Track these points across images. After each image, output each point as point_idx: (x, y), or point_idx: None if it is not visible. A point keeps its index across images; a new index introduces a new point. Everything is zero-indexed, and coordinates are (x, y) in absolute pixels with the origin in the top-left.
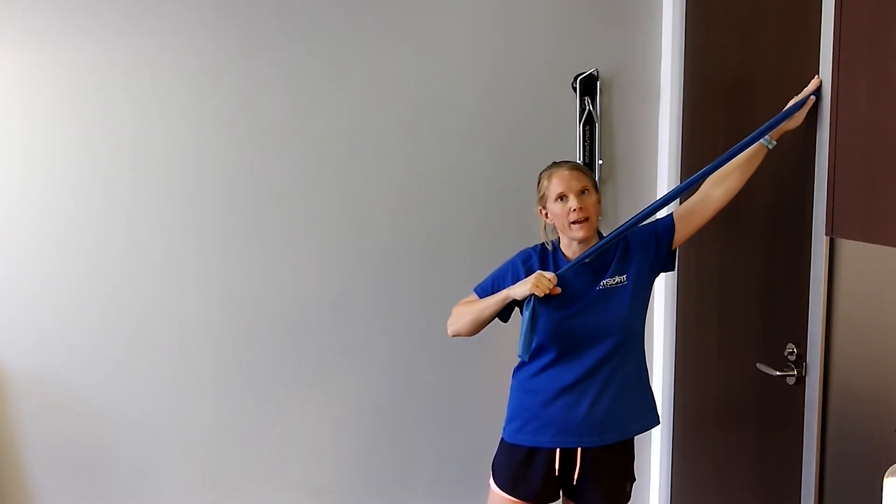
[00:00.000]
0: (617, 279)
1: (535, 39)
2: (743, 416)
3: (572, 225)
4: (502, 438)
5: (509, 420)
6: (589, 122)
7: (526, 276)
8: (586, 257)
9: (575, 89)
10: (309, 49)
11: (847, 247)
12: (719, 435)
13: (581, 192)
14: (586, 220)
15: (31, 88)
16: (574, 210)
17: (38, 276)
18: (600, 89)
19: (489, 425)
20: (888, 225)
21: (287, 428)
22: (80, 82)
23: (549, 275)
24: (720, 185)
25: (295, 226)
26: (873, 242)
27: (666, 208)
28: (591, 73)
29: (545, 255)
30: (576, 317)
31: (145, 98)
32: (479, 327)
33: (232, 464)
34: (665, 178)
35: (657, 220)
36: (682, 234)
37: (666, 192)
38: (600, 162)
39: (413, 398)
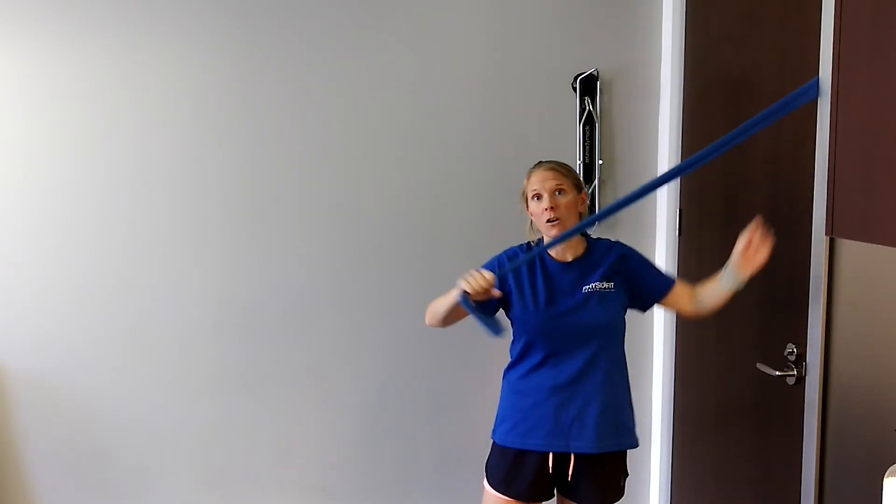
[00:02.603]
0: (606, 285)
1: (535, 39)
2: (743, 416)
3: (546, 223)
4: (493, 440)
5: (500, 422)
6: (589, 122)
7: (512, 276)
8: (550, 246)
9: (575, 89)
10: (309, 49)
11: (847, 247)
12: (719, 435)
13: (556, 192)
14: (558, 220)
15: (30, 88)
16: (546, 209)
17: (38, 276)
18: (600, 89)
19: (489, 425)
20: (888, 225)
21: (287, 428)
22: (79, 82)
23: (488, 274)
24: (699, 302)
25: (294, 226)
26: (873, 242)
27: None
28: (591, 73)
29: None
30: (565, 316)
31: (144, 98)
32: (441, 322)
33: (231, 463)
34: None
35: (662, 275)
36: (666, 304)
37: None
38: (600, 162)
39: (413, 398)
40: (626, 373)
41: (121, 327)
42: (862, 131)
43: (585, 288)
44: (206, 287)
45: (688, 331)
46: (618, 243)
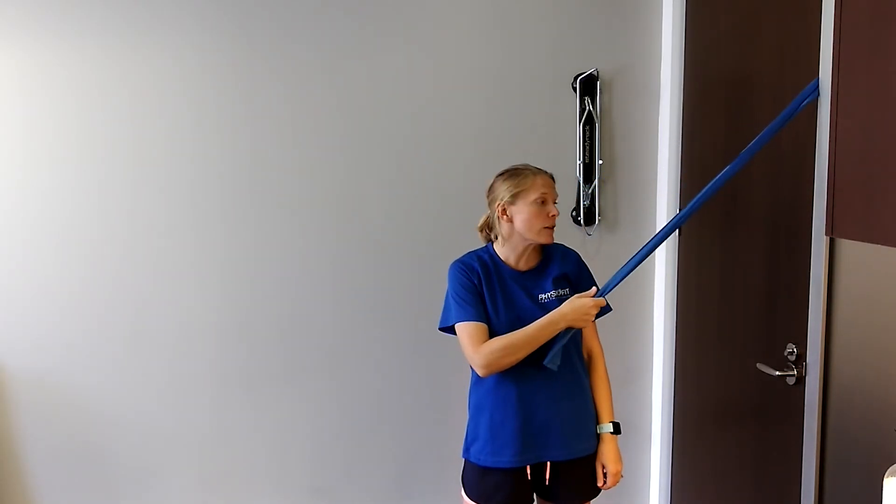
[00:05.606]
0: (561, 291)
1: (535, 39)
2: (743, 416)
3: (545, 229)
4: (466, 459)
5: (471, 440)
6: (589, 122)
7: (481, 284)
8: (627, 273)
9: (575, 89)
10: (308, 49)
11: (847, 247)
12: (719, 435)
13: (554, 203)
14: (554, 227)
15: (30, 88)
16: (553, 215)
17: (38, 276)
18: (600, 89)
19: None
20: (888, 225)
21: (286, 427)
22: (79, 82)
23: (593, 295)
24: (589, 364)
25: (293, 225)
26: (873, 242)
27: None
28: (591, 73)
29: (484, 263)
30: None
31: (144, 98)
32: (517, 360)
33: (230, 463)
34: (665, 178)
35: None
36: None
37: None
38: (600, 162)
39: (413, 398)
40: (587, 378)
41: (120, 327)
42: (862, 131)
43: (542, 297)
44: (205, 287)
45: (688, 331)
46: (573, 251)
